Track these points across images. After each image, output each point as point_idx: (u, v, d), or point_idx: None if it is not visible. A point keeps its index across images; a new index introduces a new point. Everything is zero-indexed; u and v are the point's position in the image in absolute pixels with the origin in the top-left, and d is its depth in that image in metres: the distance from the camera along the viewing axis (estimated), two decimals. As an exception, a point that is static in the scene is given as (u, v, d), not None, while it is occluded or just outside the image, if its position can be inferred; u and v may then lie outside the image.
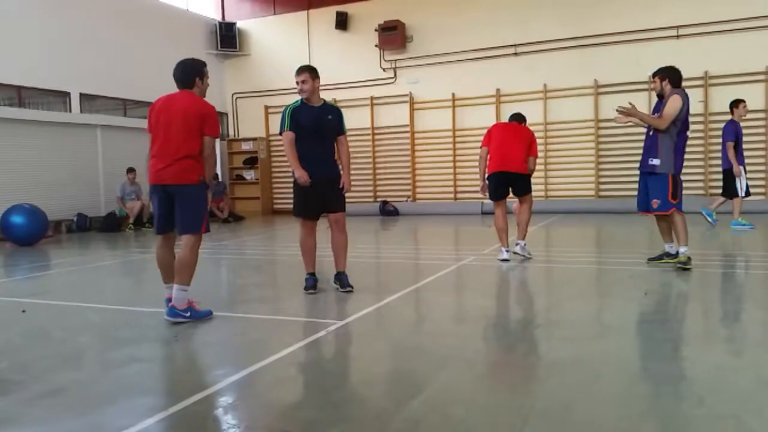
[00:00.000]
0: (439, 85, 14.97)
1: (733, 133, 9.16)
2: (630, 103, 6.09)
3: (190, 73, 4.48)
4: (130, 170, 12.81)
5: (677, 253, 6.02)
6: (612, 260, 7.07)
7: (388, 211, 14.87)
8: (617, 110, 6.13)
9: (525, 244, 6.95)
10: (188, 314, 4.32)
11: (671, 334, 3.90)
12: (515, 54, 14.20)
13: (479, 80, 14.52)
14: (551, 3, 13.81)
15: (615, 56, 13.20)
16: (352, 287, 5.24)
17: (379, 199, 15.38)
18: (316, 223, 5.37)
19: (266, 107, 16.83)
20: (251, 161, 16.93)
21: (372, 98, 15.67)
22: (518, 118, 7.18)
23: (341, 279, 5.32)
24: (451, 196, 15.03)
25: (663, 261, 6.18)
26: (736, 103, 9.36)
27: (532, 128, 7.28)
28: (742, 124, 9.39)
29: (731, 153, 9.14)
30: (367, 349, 3.78)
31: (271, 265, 7.82)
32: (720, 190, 9.78)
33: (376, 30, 15.18)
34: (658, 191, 5.89)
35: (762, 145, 12.41)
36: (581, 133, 13.76)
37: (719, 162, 12.50)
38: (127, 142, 13.24)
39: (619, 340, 3.80)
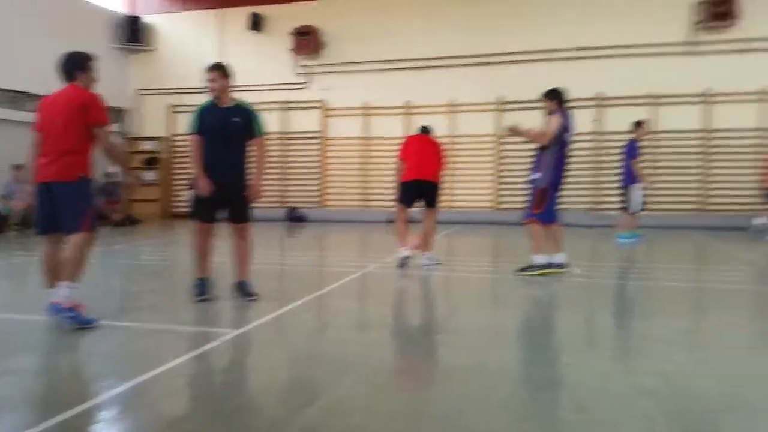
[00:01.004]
0: (352, 93, 15.04)
1: (635, 150, 9.84)
2: (515, 125, 6.65)
3: (70, 66, 4.30)
4: (17, 167, 11.90)
5: (561, 264, 6.39)
6: (507, 269, 7.35)
7: (295, 218, 14.72)
8: (506, 128, 6.66)
9: (431, 255, 7.13)
10: (72, 314, 4.04)
11: (556, 342, 4.11)
12: (424, 68, 14.53)
13: (390, 91, 14.73)
14: (460, 20, 14.26)
15: (517, 74, 13.78)
16: (256, 295, 5.08)
17: (287, 206, 15.20)
18: (214, 225, 5.15)
19: (172, 106, 16.20)
20: (152, 161, 16.23)
21: (284, 102, 15.51)
22: (426, 130, 7.49)
23: (244, 287, 5.12)
24: (360, 203, 15.11)
25: (548, 271, 6.47)
26: (638, 124, 10.06)
27: (438, 141, 7.56)
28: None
29: (637, 168, 9.78)
30: (264, 358, 3.71)
31: (167, 271, 7.51)
32: (622, 207, 10.22)
33: (291, 34, 15.05)
34: (532, 201, 6.42)
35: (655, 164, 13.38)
36: (483, 147, 14.26)
37: (610, 178, 13.39)
38: (15, 137, 12.28)
39: (510, 347, 3.96)
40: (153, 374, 3.20)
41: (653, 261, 8.41)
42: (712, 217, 12.68)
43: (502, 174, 14.13)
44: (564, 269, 6.40)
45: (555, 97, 6.44)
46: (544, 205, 6.35)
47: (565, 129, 6.31)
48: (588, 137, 13.59)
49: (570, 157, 6.49)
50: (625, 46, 13.19)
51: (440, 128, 13.21)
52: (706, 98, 12.89)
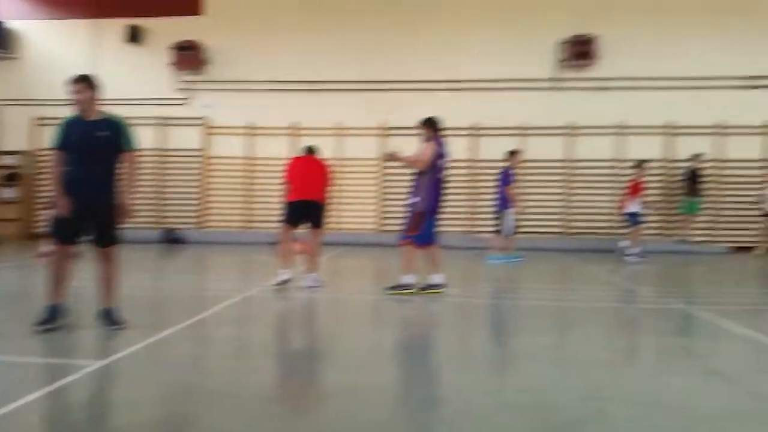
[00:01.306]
0: (236, 112, 14.76)
1: (510, 177, 10.54)
2: (392, 151, 7.00)
3: None
4: None
5: (439, 284, 6.66)
6: (382, 291, 7.50)
7: (173, 239, 14.09)
8: (385, 154, 7.00)
9: (315, 276, 7.12)
10: None
11: (433, 361, 4.24)
12: (312, 90, 14.61)
13: (277, 111, 14.63)
14: (350, 46, 14.52)
15: (400, 102, 14.22)
16: (123, 323, 4.76)
17: (163, 226, 14.52)
18: (73, 247, 4.82)
19: (37, 118, 15.00)
20: (12, 178, 14.89)
21: (161, 118, 14.89)
22: (311, 151, 7.56)
23: (109, 315, 4.77)
24: (242, 224, 14.78)
25: (428, 291, 6.69)
26: (513, 153, 10.82)
27: (323, 161, 7.66)
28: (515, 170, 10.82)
29: (512, 194, 10.44)
30: (130, 391, 3.49)
31: (23, 296, 6.88)
32: (496, 230, 10.86)
33: (171, 48, 14.54)
34: (408, 224, 6.72)
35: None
36: (368, 171, 14.51)
37: (485, 203, 14.09)
38: None
39: (388, 368, 4.03)
40: (1, 413, 2.91)
41: (523, 281, 8.94)
42: (574, 240, 13.72)
43: (385, 196, 14.43)
44: (442, 290, 6.65)
45: (430, 126, 6.80)
46: (419, 228, 6.62)
47: (439, 155, 6.66)
48: (464, 164, 14.26)
49: (446, 182, 6.82)
50: (498, 80, 14.05)
51: (327, 150, 13.32)
52: (570, 131, 14.02)
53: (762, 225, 12.81)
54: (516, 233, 10.76)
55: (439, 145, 6.73)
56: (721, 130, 13.59)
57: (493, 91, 14.14)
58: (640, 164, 11.69)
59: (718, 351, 4.71)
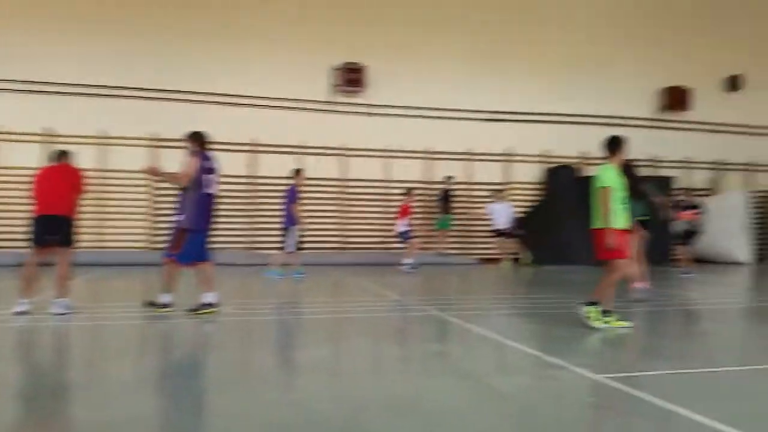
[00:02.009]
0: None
1: (296, 195, 10.77)
2: (153, 165, 6.67)
3: None
4: None
5: (212, 303, 6.51)
6: (159, 313, 7.10)
7: None
8: (144, 169, 6.88)
9: (65, 302, 6.42)
10: None
11: (200, 384, 4.14)
12: (69, 93, 13.25)
13: (25, 116, 12.96)
14: (116, 49, 13.49)
15: (176, 113, 13.60)
16: None
17: None
18: None
19: None
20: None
21: None
22: (60, 156, 6.84)
23: None
24: (-19, 244, 12.74)
25: (201, 312, 6.47)
26: (298, 171, 11.10)
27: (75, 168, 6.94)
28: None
29: (294, 212, 10.66)
30: None
31: None
32: (281, 246, 10.99)
33: None
34: (172, 241, 6.55)
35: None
36: (138, 185, 13.60)
37: (264, 219, 14.13)
38: None
39: (149, 396, 3.83)
40: None
41: (301, 296, 9.13)
42: (350, 255, 14.42)
43: (157, 212, 13.62)
44: (215, 309, 6.50)
45: (196, 139, 6.63)
46: (181, 246, 6.44)
47: (205, 170, 6.49)
48: (243, 180, 14.16)
49: (215, 198, 6.67)
50: (276, 98, 14.26)
51: (88, 160, 12.18)
52: (343, 151, 14.75)
53: (498, 241, 14.65)
54: (299, 249, 11.00)
55: (206, 159, 6.56)
56: (470, 156, 15.47)
57: (271, 108, 14.29)
58: (408, 191, 13.00)
59: (464, 352, 5.35)
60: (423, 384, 4.14)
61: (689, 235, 12.33)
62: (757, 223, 16.52)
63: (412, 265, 12.25)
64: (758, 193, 16.97)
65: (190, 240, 6.44)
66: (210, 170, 6.57)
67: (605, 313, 5.95)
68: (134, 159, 13.49)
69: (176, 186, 6.67)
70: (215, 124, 13.70)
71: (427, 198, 15.16)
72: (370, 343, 5.69)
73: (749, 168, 17.31)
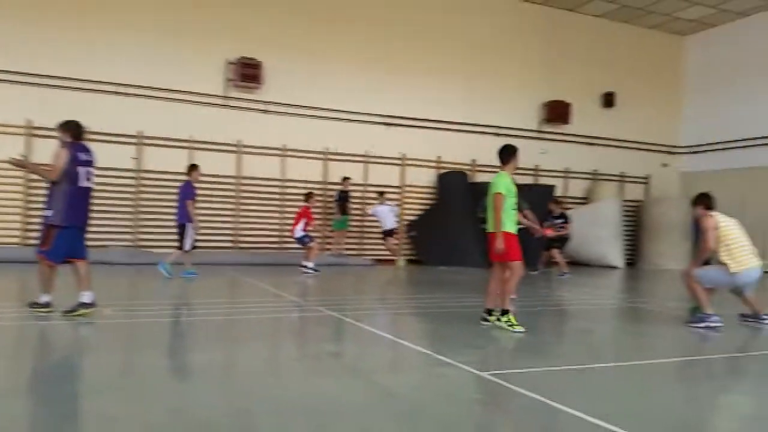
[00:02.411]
0: None
1: (191, 192, 10.36)
2: (22, 155, 6.19)
3: None
4: None
5: (89, 303, 6.13)
6: (25, 314, 6.56)
7: None
8: (10, 161, 6.32)
9: None
10: None
11: (71, 391, 3.85)
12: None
13: None
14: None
15: (55, 100, 12.62)
16: None
17: None
18: None
19: None
20: None
21: None
22: None
23: None
24: None
25: (76, 312, 6.07)
26: (193, 167, 10.65)
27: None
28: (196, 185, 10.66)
29: (190, 210, 10.24)
30: None
31: None
32: (175, 244, 10.61)
33: None
34: (42, 237, 6.20)
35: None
36: (9, 176, 12.46)
37: (151, 216, 13.48)
38: None
39: (16, 401, 3.52)
40: None
41: (193, 296, 8.77)
42: (245, 254, 14.04)
43: (31, 206, 12.54)
44: (92, 309, 6.10)
45: (68, 129, 6.23)
46: (51, 243, 6.04)
47: (78, 163, 6.11)
48: (130, 174, 13.42)
49: (91, 192, 6.32)
50: (166, 89, 13.63)
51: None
52: (238, 148, 14.37)
53: (387, 242, 14.79)
54: (194, 248, 10.61)
55: (79, 151, 6.16)
56: (367, 159, 15.62)
57: (160, 100, 13.65)
58: (309, 195, 12.76)
59: (357, 352, 5.38)
60: (314, 385, 4.11)
61: (560, 240, 13.27)
62: (627, 231, 17.98)
63: (313, 268, 12.10)
64: (629, 203, 18.47)
65: (60, 236, 6.02)
66: (84, 162, 6.17)
67: (503, 312, 6.19)
68: (7, 149, 12.38)
69: (45, 180, 6.22)
70: (99, 114, 12.96)
71: (325, 199, 15.11)
72: (261, 345, 5.58)
73: (621, 179, 18.80)
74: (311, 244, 12.37)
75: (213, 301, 8.54)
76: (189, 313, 7.54)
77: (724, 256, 6.72)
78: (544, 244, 13.29)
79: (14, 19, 12.60)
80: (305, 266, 12.11)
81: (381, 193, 14.82)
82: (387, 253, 15.15)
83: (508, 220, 6.26)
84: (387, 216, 14.49)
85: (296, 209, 13.19)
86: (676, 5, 17.23)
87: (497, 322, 6.22)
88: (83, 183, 6.14)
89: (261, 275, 11.30)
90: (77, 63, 13.00)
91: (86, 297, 6.14)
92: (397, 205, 15.63)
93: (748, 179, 17.29)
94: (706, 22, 18.39)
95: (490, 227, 6.35)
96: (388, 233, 14.64)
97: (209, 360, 4.84)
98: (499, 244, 6.16)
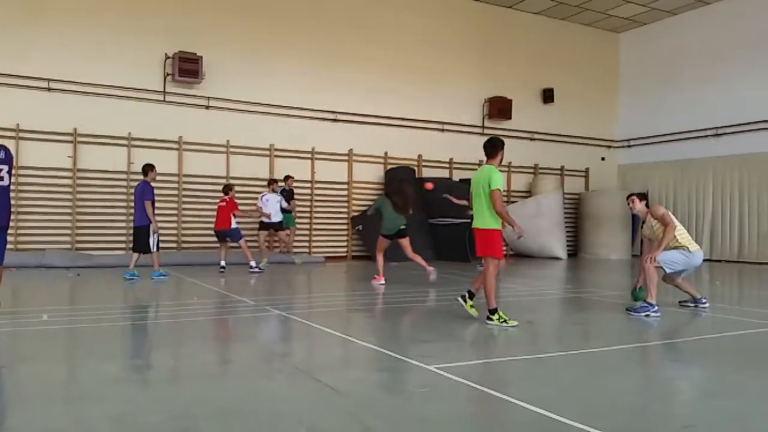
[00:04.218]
0: None
1: (150, 193, 10.14)
2: None
3: None
4: None
5: None
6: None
7: None
8: None
9: None
10: None
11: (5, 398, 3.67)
12: None
13: None
14: None
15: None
16: None
17: None
18: None
19: None
20: None
21: None
22: None
23: None
24: None
25: None
26: (151, 167, 10.41)
27: None
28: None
29: (150, 211, 10.03)
30: None
31: None
32: (140, 248, 10.32)
33: None
34: None
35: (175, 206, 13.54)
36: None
37: (88, 216, 13.03)
38: None
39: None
40: None
41: (137, 299, 8.49)
42: (186, 254, 13.69)
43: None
44: None
45: None
46: None
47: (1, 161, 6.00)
48: (66, 173, 12.91)
49: (7, 191, 6.16)
50: (99, 84, 13.15)
51: None
52: (180, 145, 14.01)
53: (264, 234, 13.50)
54: (158, 249, 10.42)
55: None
56: (314, 155, 15.50)
57: (96, 96, 13.15)
58: (228, 188, 12.11)
59: (305, 350, 5.33)
60: (258, 386, 4.05)
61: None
62: (569, 222, 18.51)
63: (259, 267, 11.86)
64: (569, 195, 19.00)
65: None
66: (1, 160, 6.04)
67: (491, 311, 6.21)
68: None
69: None
70: (32, 111, 12.39)
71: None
72: (202, 347, 5.46)
73: (561, 173, 19.31)
74: (241, 242, 11.87)
75: (155, 303, 8.30)
76: (129, 317, 7.29)
77: (680, 240, 7.02)
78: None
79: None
80: (252, 265, 11.85)
81: (273, 180, 13.62)
82: (342, 249, 15.04)
83: (495, 216, 6.22)
84: (275, 206, 13.11)
85: (246, 207, 13.00)
86: (609, 3, 17.81)
87: (488, 322, 6.17)
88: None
89: (205, 275, 11.06)
90: (9, 58, 12.38)
91: None
92: (345, 201, 15.59)
93: (679, 171, 18.09)
94: (639, 20, 19.08)
95: (479, 223, 6.30)
96: (276, 226, 13.34)
97: (147, 364, 4.69)
98: (495, 240, 6.21)
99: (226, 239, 12.00)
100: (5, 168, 6.11)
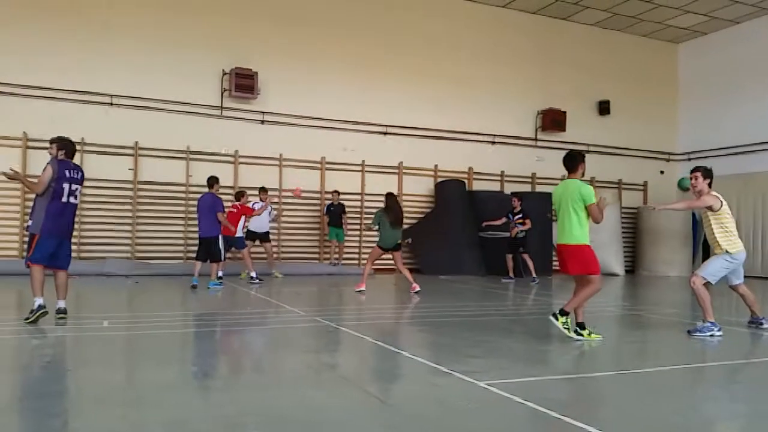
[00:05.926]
0: None
1: (221, 204, 10.61)
2: (12, 169, 6.60)
3: None
4: None
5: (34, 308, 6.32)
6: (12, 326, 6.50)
7: None
8: (3, 173, 6.68)
9: None
10: None
11: (61, 405, 3.80)
12: None
13: None
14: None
15: (50, 112, 12.61)
16: None
17: None
18: None
19: None
20: None
21: None
22: None
23: None
24: None
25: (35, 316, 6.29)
26: (215, 179, 10.85)
27: None
28: None
29: (225, 220, 10.61)
30: None
31: None
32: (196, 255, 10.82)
33: None
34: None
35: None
36: (6, 188, 12.43)
37: (150, 228, 13.41)
38: None
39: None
40: None
41: (207, 307, 8.71)
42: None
43: (27, 218, 12.49)
44: (40, 313, 6.26)
45: (59, 146, 6.54)
46: (32, 249, 6.38)
47: (63, 179, 6.39)
48: (127, 185, 13.41)
49: (73, 208, 6.59)
50: (159, 100, 13.64)
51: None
52: (236, 158, 14.35)
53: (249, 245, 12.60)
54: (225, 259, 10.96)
55: (66, 168, 6.46)
56: (364, 168, 15.59)
57: (156, 111, 13.65)
58: (240, 194, 12.00)
59: (354, 360, 5.32)
60: (308, 395, 4.06)
61: (520, 243, 13.68)
62: (626, 237, 17.96)
63: (258, 277, 11.72)
64: (627, 210, 18.46)
65: (38, 244, 6.36)
66: (70, 180, 6.48)
67: (580, 326, 6.14)
68: (3, 161, 12.41)
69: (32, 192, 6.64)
70: (95, 125, 12.96)
71: (319, 209, 15.09)
72: (255, 355, 5.52)
73: (619, 186, 18.80)
74: (244, 251, 11.78)
75: (215, 311, 8.48)
76: (190, 324, 7.46)
77: (720, 237, 6.64)
78: (509, 248, 13.76)
79: (5, 29, 12.60)
80: (251, 276, 11.63)
81: (264, 190, 12.97)
82: (391, 262, 15.03)
83: (585, 231, 6.14)
84: (265, 218, 12.65)
85: (299, 220, 13.15)
86: (667, 13, 17.32)
87: (569, 333, 6.09)
88: (65, 199, 6.43)
89: (248, 285, 11.21)
90: (72, 74, 13.01)
91: (61, 303, 6.50)
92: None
93: (742, 185, 17.32)
94: (698, 30, 18.48)
95: (568, 238, 6.18)
96: (263, 237, 12.83)
97: (207, 371, 4.78)
98: (589, 256, 6.15)
99: (231, 248, 11.82)
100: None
